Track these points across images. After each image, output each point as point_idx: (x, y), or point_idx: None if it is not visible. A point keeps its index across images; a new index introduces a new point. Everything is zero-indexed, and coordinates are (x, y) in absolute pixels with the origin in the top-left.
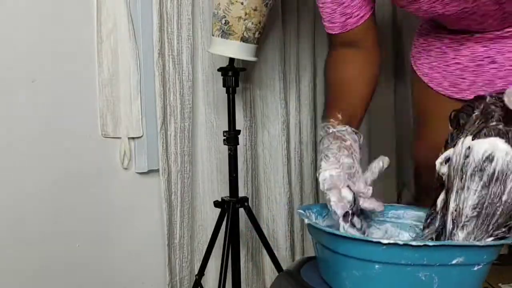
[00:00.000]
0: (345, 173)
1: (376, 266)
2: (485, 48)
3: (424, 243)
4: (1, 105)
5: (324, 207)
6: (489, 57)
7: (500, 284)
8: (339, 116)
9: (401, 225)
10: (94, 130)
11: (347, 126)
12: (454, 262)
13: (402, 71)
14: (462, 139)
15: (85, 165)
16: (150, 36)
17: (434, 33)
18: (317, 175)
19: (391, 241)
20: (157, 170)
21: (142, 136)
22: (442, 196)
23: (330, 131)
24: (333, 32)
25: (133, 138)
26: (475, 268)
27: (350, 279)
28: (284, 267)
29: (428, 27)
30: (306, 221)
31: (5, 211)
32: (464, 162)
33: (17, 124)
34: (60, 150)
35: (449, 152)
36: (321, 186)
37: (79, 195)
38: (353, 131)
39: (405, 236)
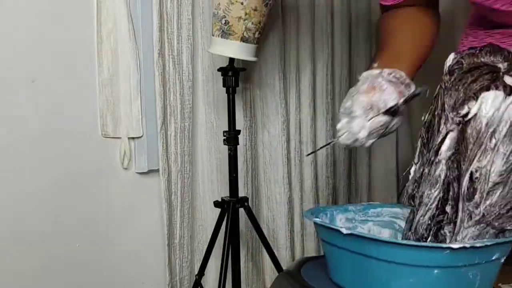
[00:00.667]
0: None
1: (435, 271)
2: None
3: (485, 243)
4: (1, 105)
5: (325, 210)
6: None
7: (500, 284)
8: (375, 65)
9: (381, 223)
10: (94, 130)
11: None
12: (494, 258)
13: None
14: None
15: (85, 165)
16: (150, 36)
17: (483, 31)
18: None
19: (460, 245)
20: (157, 170)
21: (142, 136)
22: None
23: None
24: (387, 3)
25: (133, 138)
26: (502, 260)
27: (402, 286)
28: (284, 267)
29: (479, 27)
30: (343, 231)
31: (5, 211)
32: (500, 118)
33: (17, 124)
34: (60, 150)
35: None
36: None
37: (79, 195)
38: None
39: (386, 233)
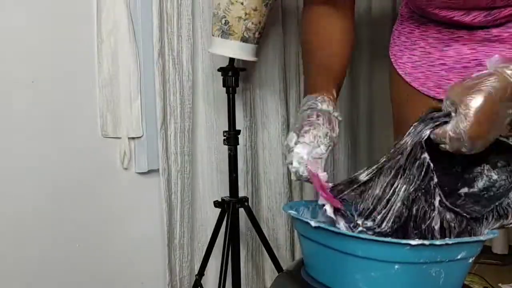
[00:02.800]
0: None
1: (396, 266)
2: (472, 51)
3: (445, 242)
4: (1, 105)
5: (307, 204)
6: (476, 59)
7: (500, 284)
8: (333, 91)
9: None
10: (94, 130)
11: (332, 108)
12: (459, 257)
13: None
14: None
15: (85, 165)
16: (150, 36)
17: (418, 32)
18: (288, 145)
19: (419, 242)
20: (157, 170)
21: (142, 136)
22: None
23: (318, 108)
24: None
25: (133, 138)
26: (470, 261)
27: (365, 280)
28: (284, 267)
29: (411, 25)
30: (312, 223)
31: (5, 211)
32: None
33: (17, 124)
34: (60, 150)
35: None
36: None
37: (79, 195)
38: (335, 114)
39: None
